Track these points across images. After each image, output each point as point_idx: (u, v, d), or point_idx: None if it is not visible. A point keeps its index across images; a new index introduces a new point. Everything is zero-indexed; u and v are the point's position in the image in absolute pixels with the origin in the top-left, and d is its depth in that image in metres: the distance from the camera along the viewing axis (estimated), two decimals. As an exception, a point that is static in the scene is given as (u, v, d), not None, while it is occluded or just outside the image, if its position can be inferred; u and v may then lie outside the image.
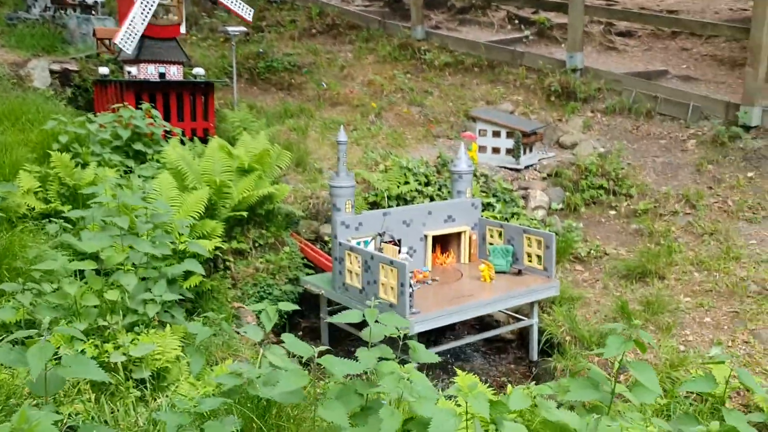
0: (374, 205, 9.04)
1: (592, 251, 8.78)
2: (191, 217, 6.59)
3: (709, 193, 9.37)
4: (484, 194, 9.38)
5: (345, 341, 7.48)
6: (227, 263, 7.58)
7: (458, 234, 7.21)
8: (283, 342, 3.54)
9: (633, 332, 3.94)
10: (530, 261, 6.93)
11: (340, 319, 3.36)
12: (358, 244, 6.47)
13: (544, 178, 10.15)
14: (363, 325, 3.24)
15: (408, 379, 3.08)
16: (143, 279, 4.78)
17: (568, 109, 12.15)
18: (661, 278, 7.83)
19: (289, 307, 4.52)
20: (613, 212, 9.72)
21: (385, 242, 6.49)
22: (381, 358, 3.20)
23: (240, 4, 10.36)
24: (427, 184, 9.45)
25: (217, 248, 6.83)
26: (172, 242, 5.10)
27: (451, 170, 7.37)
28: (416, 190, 9.06)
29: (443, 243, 7.21)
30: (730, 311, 7.02)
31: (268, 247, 8.02)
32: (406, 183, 9.33)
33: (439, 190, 9.39)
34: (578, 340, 6.59)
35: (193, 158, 7.62)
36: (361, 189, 9.31)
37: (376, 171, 9.68)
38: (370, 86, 14.08)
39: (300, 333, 7.83)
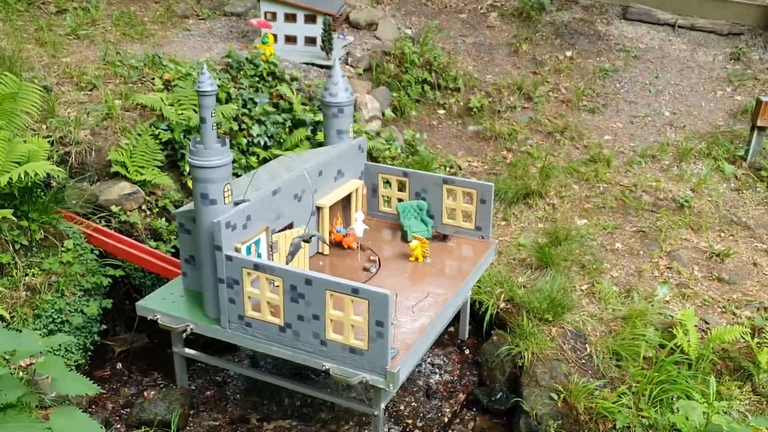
0: (169, 145, 6.49)
1: (446, 168, 7.66)
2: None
3: (536, 80, 8.78)
4: (304, 107, 7.43)
5: (201, 374, 5.37)
6: (-20, 295, 4.68)
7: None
8: None
9: None
10: (452, 218, 5.50)
11: None
12: (248, 250, 4.30)
13: (360, 75, 8.46)
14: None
15: None
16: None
17: (344, -24, 10.26)
18: (541, 196, 7.11)
19: None
20: (442, 111, 8.62)
21: (306, 241, 4.41)
22: None
23: None
24: (227, 101, 7.11)
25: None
26: None
27: (324, 101, 5.33)
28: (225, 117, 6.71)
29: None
30: (635, 231, 6.64)
31: (37, 247, 5.18)
32: (205, 104, 6.85)
33: (245, 107, 7.14)
34: (520, 307, 5.56)
35: None
36: (139, 118, 6.58)
37: (153, 90, 6.92)
38: (52, -61, 10.20)
39: (119, 365, 5.45)
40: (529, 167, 7.56)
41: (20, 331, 4.67)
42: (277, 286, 4.02)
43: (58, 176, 5.60)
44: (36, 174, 4.56)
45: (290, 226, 4.75)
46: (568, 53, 9.23)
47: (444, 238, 5.41)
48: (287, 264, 4.24)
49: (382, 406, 4.22)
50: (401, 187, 5.58)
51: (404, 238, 5.42)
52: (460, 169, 7.76)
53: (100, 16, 8.88)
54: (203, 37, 8.82)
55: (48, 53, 7.75)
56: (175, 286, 4.82)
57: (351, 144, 5.41)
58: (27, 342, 2.36)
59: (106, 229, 5.61)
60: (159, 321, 4.53)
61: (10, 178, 4.41)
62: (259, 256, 4.39)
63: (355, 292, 3.79)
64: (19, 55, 7.44)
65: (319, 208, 5.04)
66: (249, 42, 8.64)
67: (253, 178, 4.76)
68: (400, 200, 5.57)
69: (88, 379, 2.70)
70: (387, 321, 3.76)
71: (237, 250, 4.18)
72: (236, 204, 4.26)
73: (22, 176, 4.43)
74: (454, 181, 5.35)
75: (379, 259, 5.10)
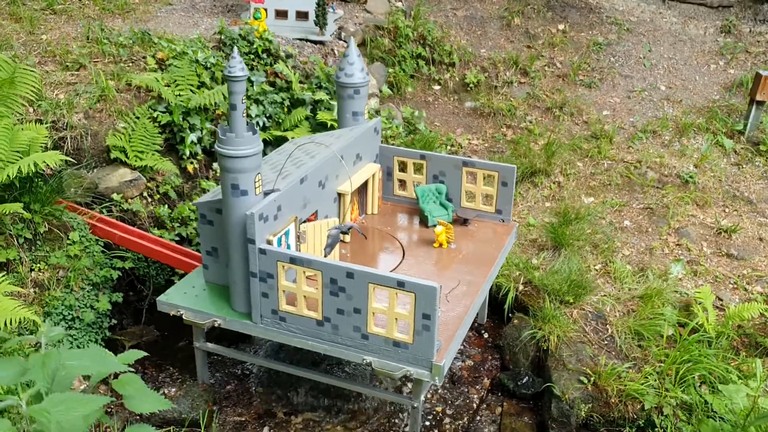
0: (168, 129, 6.23)
1: (447, 146, 7.55)
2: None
3: (532, 55, 8.68)
4: (301, 85, 7.21)
5: (219, 367, 5.21)
6: (-13, 294, 4.41)
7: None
8: None
9: None
10: (471, 201, 5.40)
11: None
12: (279, 242, 4.15)
13: (353, 51, 8.22)
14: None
15: None
16: None
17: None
18: (546, 175, 7.07)
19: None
20: (438, 87, 8.47)
21: (344, 233, 4.27)
22: None
23: None
24: (223, 81, 6.85)
25: None
26: None
27: (339, 82, 5.14)
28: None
29: (341, 190, 5.19)
30: (642, 207, 6.65)
31: (42, 240, 4.93)
32: (202, 85, 6.60)
33: (241, 86, 6.87)
34: (539, 289, 5.53)
35: None
36: (134, 99, 6.28)
37: (146, 70, 6.61)
38: None
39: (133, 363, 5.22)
40: (531, 144, 7.49)
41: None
42: (313, 278, 3.88)
43: (56, 164, 5.31)
44: (45, 164, 4.30)
45: (315, 215, 4.60)
46: (561, 26, 9.14)
47: (464, 222, 5.31)
48: (325, 257, 4.10)
49: (422, 398, 4.14)
50: (417, 170, 5.46)
51: (423, 223, 5.31)
52: (461, 147, 7.66)
53: (77, -11, 8.42)
54: (187, 11, 8.48)
55: (25, 30, 7.34)
56: (195, 279, 4.63)
57: (368, 126, 5.25)
58: (105, 362, 2.20)
59: (111, 219, 5.37)
60: (183, 317, 4.35)
61: (20, 169, 4.14)
62: (288, 247, 4.24)
63: (400, 285, 3.68)
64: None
65: (340, 194, 4.88)
66: (236, 16, 8.34)
67: (272, 163, 4.59)
68: (417, 184, 5.45)
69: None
70: (434, 314, 3.66)
71: (269, 242, 4.02)
72: (265, 194, 4.09)
73: (31, 167, 4.17)
74: (474, 164, 5.25)
75: (402, 246, 4.98)
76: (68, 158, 4.72)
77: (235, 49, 3.92)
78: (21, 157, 4.45)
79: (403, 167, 5.52)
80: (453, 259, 4.84)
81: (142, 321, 5.59)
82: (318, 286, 3.89)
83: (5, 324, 3.24)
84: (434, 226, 5.13)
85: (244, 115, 3.87)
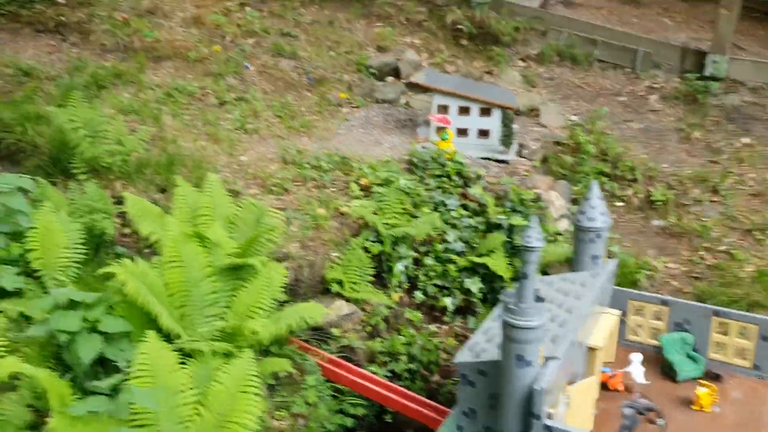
0: (377, 259, 6.13)
1: (643, 270, 7.10)
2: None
3: (721, 172, 8.21)
4: (496, 209, 7.02)
5: None
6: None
7: (600, 322, 4.89)
8: None
9: None
10: (721, 353, 4.94)
11: None
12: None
13: (535, 167, 8.05)
14: None
15: None
16: None
17: (493, 58, 10.00)
18: (764, 308, 6.48)
19: None
20: (620, 204, 8.10)
21: (640, 413, 3.93)
22: None
23: None
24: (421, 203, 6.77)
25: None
26: None
27: (579, 226, 4.90)
28: (440, 229, 6.36)
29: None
30: None
31: (284, 384, 4.80)
32: (404, 212, 6.51)
33: (436, 210, 6.77)
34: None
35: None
36: (343, 226, 6.24)
37: (349, 195, 6.61)
38: (198, 26, 10.25)
39: None
40: (737, 270, 6.97)
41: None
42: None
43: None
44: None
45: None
46: (745, 140, 8.68)
47: (716, 377, 4.84)
48: (621, 439, 3.76)
49: None
50: (656, 316, 5.07)
51: (668, 375, 4.88)
52: (657, 271, 7.21)
53: (260, 106, 8.70)
54: (364, 127, 8.57)
55: (225, 152, 7.55)
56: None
57: (608, 270, 4.94)
58: None
59: (339, 359, 5.22)
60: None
61: (290, 325, 4.05)
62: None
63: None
64: (194, 151, 7.26)
65: (590, 348, 4.55)
66: (413, 132, 8.32)
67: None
68: (655, 331, 5.05)
69: None
70: None
71: (549, 416, 3.71)
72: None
73: (302, 324, 4.07)
74: (728, 314, 4.82)
75: (659, 411, 4.52)
76: (326, 310, 4.62)
77: (535, 219, 3.74)
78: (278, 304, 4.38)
79: (639, 311, 5.15)
80: (724, 427, 4.36)
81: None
82: (613, 472, 3.52)
83: None
84: (686, 381, 4.69)
85: (533, 284, 3.64)
